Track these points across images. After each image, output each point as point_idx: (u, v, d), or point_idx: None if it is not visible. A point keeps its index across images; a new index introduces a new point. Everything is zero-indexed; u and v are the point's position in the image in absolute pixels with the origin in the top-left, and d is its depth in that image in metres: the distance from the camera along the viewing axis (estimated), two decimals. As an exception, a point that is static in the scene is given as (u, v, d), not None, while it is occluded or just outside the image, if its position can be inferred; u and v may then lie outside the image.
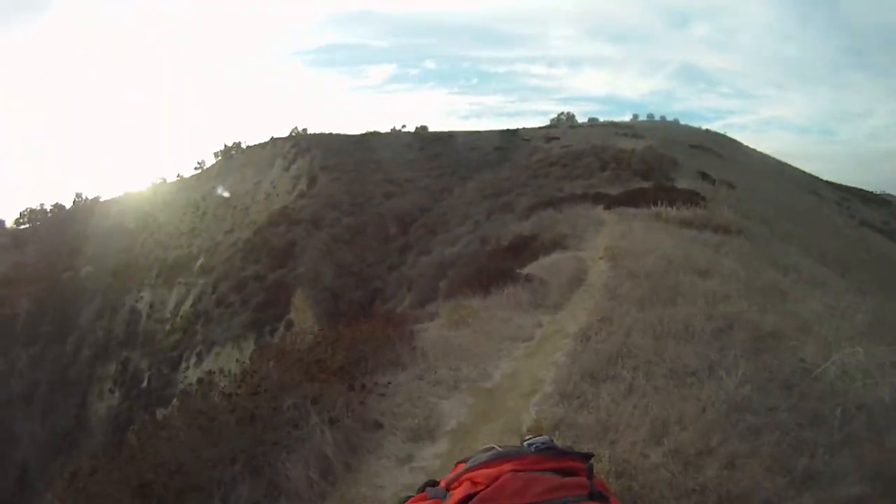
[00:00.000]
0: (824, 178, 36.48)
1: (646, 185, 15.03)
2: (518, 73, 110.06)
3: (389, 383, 4.11)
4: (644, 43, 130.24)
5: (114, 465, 3.33)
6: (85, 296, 26.27)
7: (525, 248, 9.72)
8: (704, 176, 17.49)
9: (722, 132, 40.38)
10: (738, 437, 2.76)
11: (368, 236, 23.53)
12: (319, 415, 3.39)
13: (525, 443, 0.89)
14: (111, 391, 24.33)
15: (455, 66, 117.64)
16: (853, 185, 37.76)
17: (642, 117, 41.30)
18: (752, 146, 39.78)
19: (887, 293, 10.48)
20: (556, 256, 8.47)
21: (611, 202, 12.80)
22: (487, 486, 0.77)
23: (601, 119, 38.86)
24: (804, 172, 35.05)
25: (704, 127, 43.79)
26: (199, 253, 28.63)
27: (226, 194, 31.61)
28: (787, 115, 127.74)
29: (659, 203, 10.96)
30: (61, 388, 24.37)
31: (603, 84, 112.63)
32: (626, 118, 42.46)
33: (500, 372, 4.49)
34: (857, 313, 5.12)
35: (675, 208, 10.42)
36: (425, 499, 0.84)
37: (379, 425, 3.58)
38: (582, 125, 37.20)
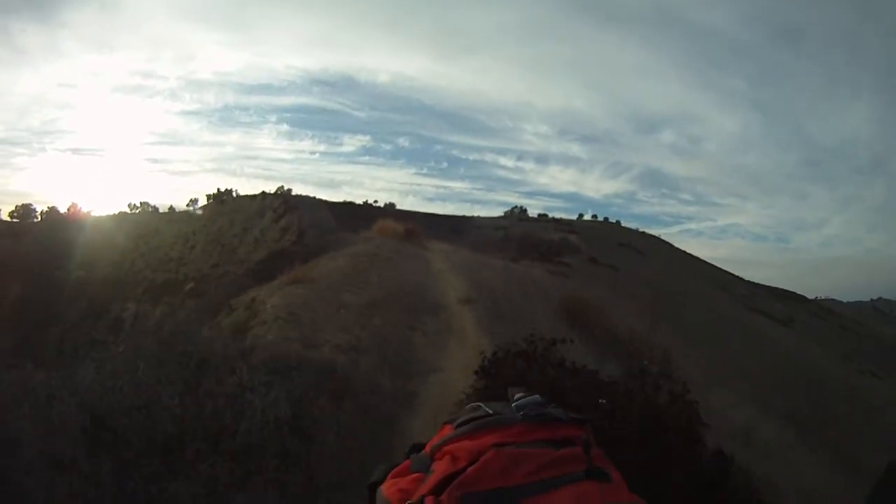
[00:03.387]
0: (776, 284, 40.79)
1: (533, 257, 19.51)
2: (487, 162, 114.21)
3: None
4: (612, 145, 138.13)
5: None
6: (73, 296, 28.68)
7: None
8: (592, 259, 22.23)
9: (678, 237, 46.34)
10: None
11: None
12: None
13: (514, 404, 0.82)
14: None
15: (427, 147, 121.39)
16: (802, 291, 42.30)
17: (602, 217, 45.84)
18: (707, 252, 45.25)
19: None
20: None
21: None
22: (470, 462, 0.71)
23: (554, 215, 43.68)
24: (728, 273, 39.00)
25: (662, 232, 49.64)
26: (185, 280, 31.39)
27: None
28: (744, 222, 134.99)
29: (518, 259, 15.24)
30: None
31: (568, 182, 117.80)
32: (587, 217, 46.87)
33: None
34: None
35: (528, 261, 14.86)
36: (408, 471, 0.79)
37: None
38: (531, 219, 41.30)
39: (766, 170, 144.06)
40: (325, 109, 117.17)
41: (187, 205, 41.79)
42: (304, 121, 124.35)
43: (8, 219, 37.86)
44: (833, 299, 49.95)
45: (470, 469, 0.70)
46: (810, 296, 43.42)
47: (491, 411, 0.82)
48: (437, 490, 0.69)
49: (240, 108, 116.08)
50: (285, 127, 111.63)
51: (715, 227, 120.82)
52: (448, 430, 0.82)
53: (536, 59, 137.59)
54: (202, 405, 4.48)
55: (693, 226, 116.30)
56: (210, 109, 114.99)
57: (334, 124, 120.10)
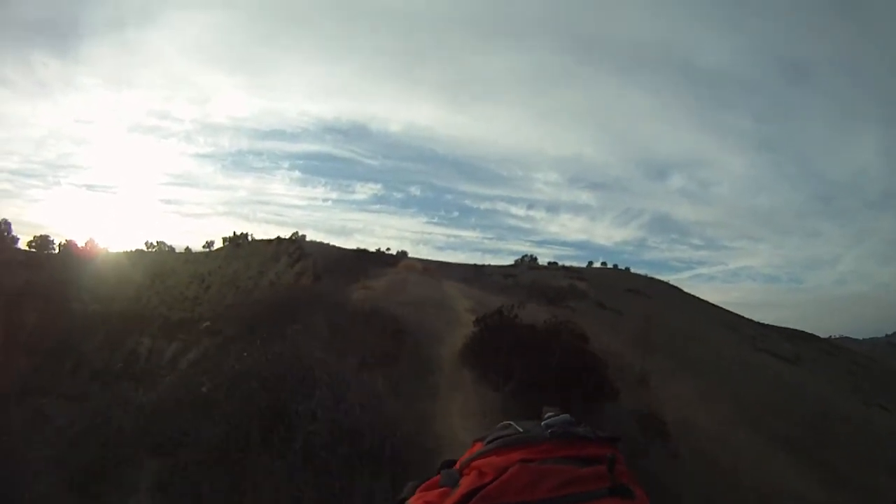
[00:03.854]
0: (790, 325, 41.04)
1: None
2: (498, 211, 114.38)
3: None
4: (622, 192, 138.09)
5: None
6: (89, 328, 29.32)
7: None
8: (600, 304, 22.77)
9: (690, 283, 46.41)
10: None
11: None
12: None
13: (543, 422, 0.85)
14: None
15: (439, 196, 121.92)
16: (816, 330, 42.69)
17: (612, 264, 46.44)
18: (719, 296, 45.21)
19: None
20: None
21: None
22: (496, 477, 0.73)
23: (564, 263, 44.20)
24: (737, 315, 39.18)
25: (673, 278, 49.85)
26: (200, 318, 32.03)
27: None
28: (755, 264, 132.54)
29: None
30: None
31: (578, 230, 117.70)
32: (597, 264, 47.43)
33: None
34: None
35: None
36: (437, 485, 0.82)
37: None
38: (541, 266, 42.12)
39: (776, 209, 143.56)
40: (337, 157, 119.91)
41: (203, 246, 42.71)
42: (316, 168, 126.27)
43: (26, 248, 38.51)
44: (847, 337, 49.46)
45: (494, 483, 0.71)
46: (824, 335, 43.41)
47: (521, 430, 0.83)
48: (461, 502, 0.71)
49: (253, 153, 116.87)
50: (298, 174, 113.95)
51: (726, 271, 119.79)
52: (478, 447, 0.84)
53: (547, 106, 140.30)
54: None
55: (704, 270, 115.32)
56: (224, 153, 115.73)
57: (346, 172, 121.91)
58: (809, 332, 40.64)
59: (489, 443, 0.83)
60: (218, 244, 44.34)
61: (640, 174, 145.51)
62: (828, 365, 29.20)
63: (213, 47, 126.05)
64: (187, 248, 43.49)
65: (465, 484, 0.75)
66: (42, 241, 40.83)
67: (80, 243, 40.38)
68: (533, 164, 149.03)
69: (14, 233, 38.60)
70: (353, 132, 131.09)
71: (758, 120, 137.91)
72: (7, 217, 44.55)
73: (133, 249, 42.83)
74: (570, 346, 11.39)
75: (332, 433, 8.57)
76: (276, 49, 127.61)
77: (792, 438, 13.97)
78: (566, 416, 0.85)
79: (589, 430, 0.82)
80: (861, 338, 53.81)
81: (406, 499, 0.83)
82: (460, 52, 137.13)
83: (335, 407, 9.08)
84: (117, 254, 40.87)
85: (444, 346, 13.00)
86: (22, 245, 38.65)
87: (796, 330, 40.15)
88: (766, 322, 40.10)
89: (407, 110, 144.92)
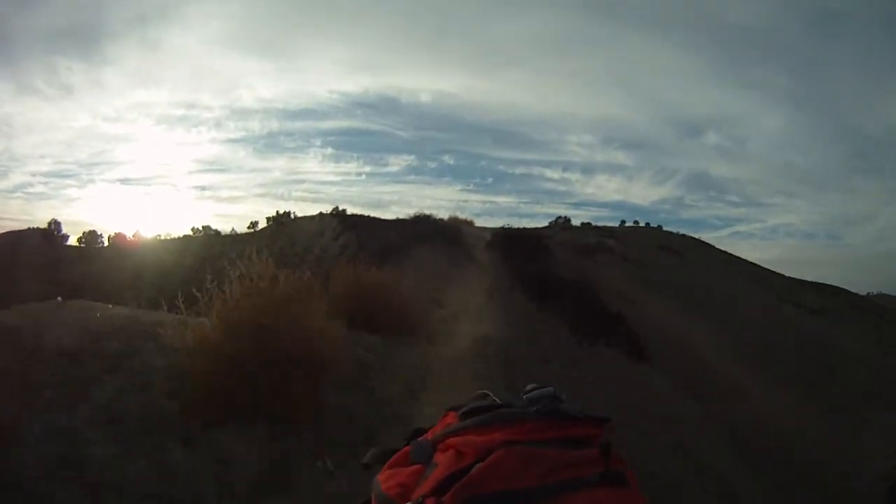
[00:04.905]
0: (828, 282, 40.57)
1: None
2: (534, 175, 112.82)
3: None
4: (657, 151, 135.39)
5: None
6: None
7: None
8: (624, 258, 24.13)
9: (729, 241, 45.71)
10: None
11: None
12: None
13: (525, 396, 0.76)
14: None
15: (473, 163, 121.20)
16: (855, 287, 42.34)
17: (647, 223, 46.69)
18: (759, 254, 44.49)
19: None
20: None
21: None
22: (477, 460, 0.66)
23: (599, 224, 44.85)
24: (767, 270, 39.54)
25: (712, 236, 49.06)
26: None
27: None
28: (793, 221, 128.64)
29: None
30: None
31: (615, 191, 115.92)
32: (629, 223, 47.10)
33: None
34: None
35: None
36: (407, 460, 0.75)
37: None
38: (573, 227, 42.96)
39: (812, 165, 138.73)
40: (368, 131, 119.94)
41: (248, 227, 43.99)
42: (348, 143, 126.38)
43: (77, 244, 39.28)
44: (885, 294, 48.73)
45: (477, 468, 0.64)
46: (862, 292, 43.24)
47: (500, 402, 0.77)
48: (439, 490, 0.64)
49: (284, 133, 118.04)
50: (330, 150, 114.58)
51: (765, 228, 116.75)
52: (452, 419, 0.78)
53: (575, 69, 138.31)
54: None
55: (743, 228, 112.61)
56: (255, 136, 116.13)
57: (379, 145, 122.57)
58: (844, 287, 40.76)
59: (464, 415, 0.76)
60: (262, 224, 45.44)
61: (673, 133, 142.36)
62: (854, 317, 29.71)
63: (236, 35, 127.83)
64: (233, 230, 44.73)
65: (443, 465, 0.68)
66: (91, 237, 41.43)
67: (128, 235, 41.62)
68: (566, 127, 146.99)
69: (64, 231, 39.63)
70: (383, 105, 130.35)
71: (791, 75, 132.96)
72: (44, 219, 46.25)
73: (181, 235, 43.86)
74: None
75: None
76: (300, 31, 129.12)
77: (800, 375, 15.20)
78: (549, 388, 0.76)
79: (577, 408, 0.74)
80: (900, 294, 52.92)
81: (369, 465, 0.81)
82: (484, 20, 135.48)
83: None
84: (165, 240, 41.83)
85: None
86: (72, 242, 39.79)
87: (829, 285, 39.90)
88: (802, 279, 40.41)
89: (435, 80, 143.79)
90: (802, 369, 15.97)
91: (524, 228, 32.20)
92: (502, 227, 27.35)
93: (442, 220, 26.50)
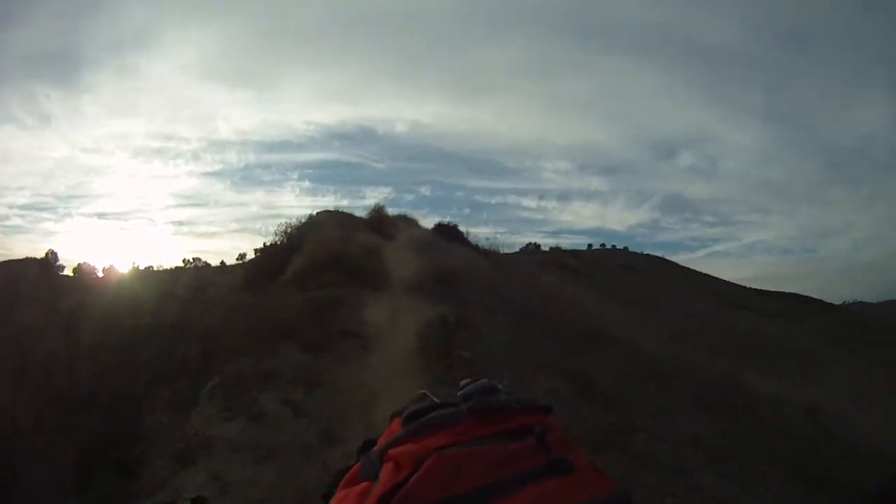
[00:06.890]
0: (807, 294, 41.08)
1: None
2: (509, 204, 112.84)
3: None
4: (631, 174, 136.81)
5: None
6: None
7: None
8: (575, 272, 26.07)
9: (705, 261, 46.56)
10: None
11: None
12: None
13: (459, 392, 0.74)
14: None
15: (449, 193, 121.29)
16: (831, 298, 42.85)
17: (633, 248, 47.34)
18: (735, 273, 45.53)
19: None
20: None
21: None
22: (413, 470, 0.63)
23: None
24: (736, 285, 40.42)
25: (688, 257, 49.74)
26: None
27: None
28: (769, 237, 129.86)
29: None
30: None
31: (591, 217, 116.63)
32: (596, 247, 47.97)
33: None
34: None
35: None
36: (358, 477, 0.69)
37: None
38: (542, 252, 43.16)
39: (786, 180, 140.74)
40: (345, 163, 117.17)
41: (237, 259, 44.57)
42: (325, 176, 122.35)
43: (72, 274, 40.46)
44: (861, 301, 49.91)
45: (412, 479, 0.61)
46: (838, 301, 43.96)
47: (438, 401, 0.73)
48: None
49: (261, 166, 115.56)
50: (307, 183, 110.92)
51: (741, 246, 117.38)
52: (396, 426, 0.73)
53: (550, 94, 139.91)
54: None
55: (719, 248, 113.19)
56: (232, 169, 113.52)
57: (355, 177, 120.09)
58: (817, 298, 41.36)
59: (404, 420, 0.72)
60: (250, 256, 46.13)
61: (648, 155, 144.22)
62: (814, 321, 30.96)
63: (213, 64, 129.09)
64: (222, 262, 45.28)
65: (383, 480, 0.64)
66: (85, 268, 43.60)
67: (121, 268, 40.28)
68: (541, 154, 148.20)
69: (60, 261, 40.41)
70: (360, 136, 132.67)
71: (763, 92, 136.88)
72: (21, 252, 45.97)
73: (173, 267, 44.65)
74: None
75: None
76: (277, 60, 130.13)
77: (745, 361, 16.33)
78: (483, 381, 0.74)
79: (512, 398, 0.71)
80: (875, 301, 54.20)
81: (331, 493, 0.74)
82: (460, 48, 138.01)
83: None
84: (158, 272, 39.42)
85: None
86: (67, 273, 41.22)
87: (797, 294, 41.03)
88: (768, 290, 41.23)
89: (411, 110, 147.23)
90: (746, 357, 17.06)
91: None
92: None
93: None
